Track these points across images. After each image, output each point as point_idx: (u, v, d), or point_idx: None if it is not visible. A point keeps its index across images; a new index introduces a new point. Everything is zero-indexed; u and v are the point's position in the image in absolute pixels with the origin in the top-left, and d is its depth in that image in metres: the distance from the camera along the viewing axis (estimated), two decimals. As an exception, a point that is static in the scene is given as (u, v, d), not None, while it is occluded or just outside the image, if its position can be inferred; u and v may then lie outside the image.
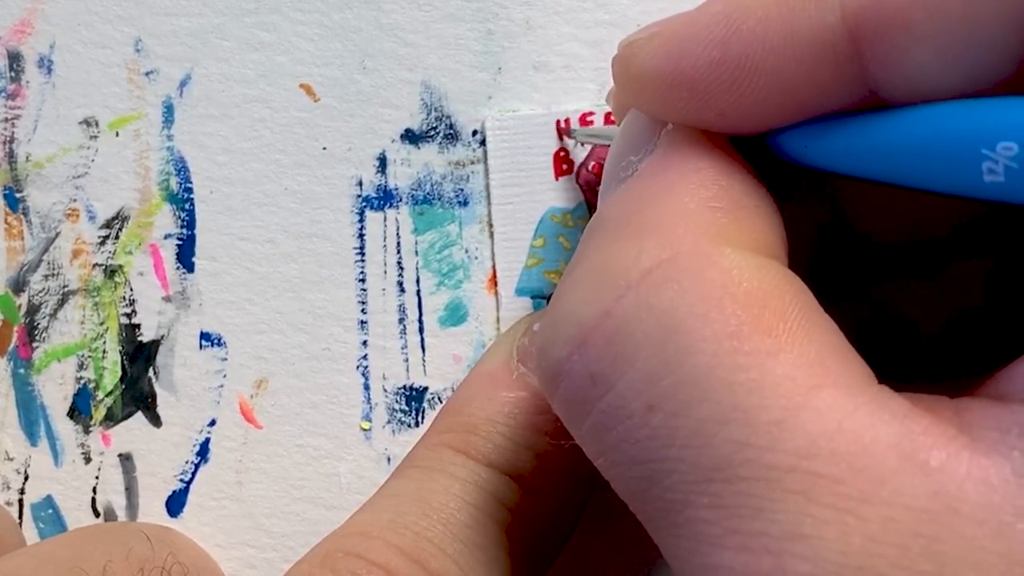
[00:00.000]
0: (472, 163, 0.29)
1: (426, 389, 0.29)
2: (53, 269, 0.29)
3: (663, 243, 0.17)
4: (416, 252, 0.29)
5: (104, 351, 0.29)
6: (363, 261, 0.29)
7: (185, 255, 0.29)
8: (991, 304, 0.21)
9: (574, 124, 0.28)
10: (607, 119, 0.28)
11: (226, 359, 0.29)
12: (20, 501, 0.29)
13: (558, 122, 0.28)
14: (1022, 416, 0.15)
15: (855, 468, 0.15)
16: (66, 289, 0.29)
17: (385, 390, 0.29)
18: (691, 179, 0.18)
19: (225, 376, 0.29)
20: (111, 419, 0.29)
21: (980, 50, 0.16)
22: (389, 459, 0.28)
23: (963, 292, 0.22)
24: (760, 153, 0.20)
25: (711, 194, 0.18)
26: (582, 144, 0.28)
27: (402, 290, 0.29)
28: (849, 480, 0.15)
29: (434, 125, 0.29)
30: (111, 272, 0.29)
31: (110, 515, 0.29)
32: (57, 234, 0.29)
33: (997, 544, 0.14)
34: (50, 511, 0.29)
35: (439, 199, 0.29)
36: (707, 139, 0.19)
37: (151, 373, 0.29)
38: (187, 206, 0.29)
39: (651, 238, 0.17)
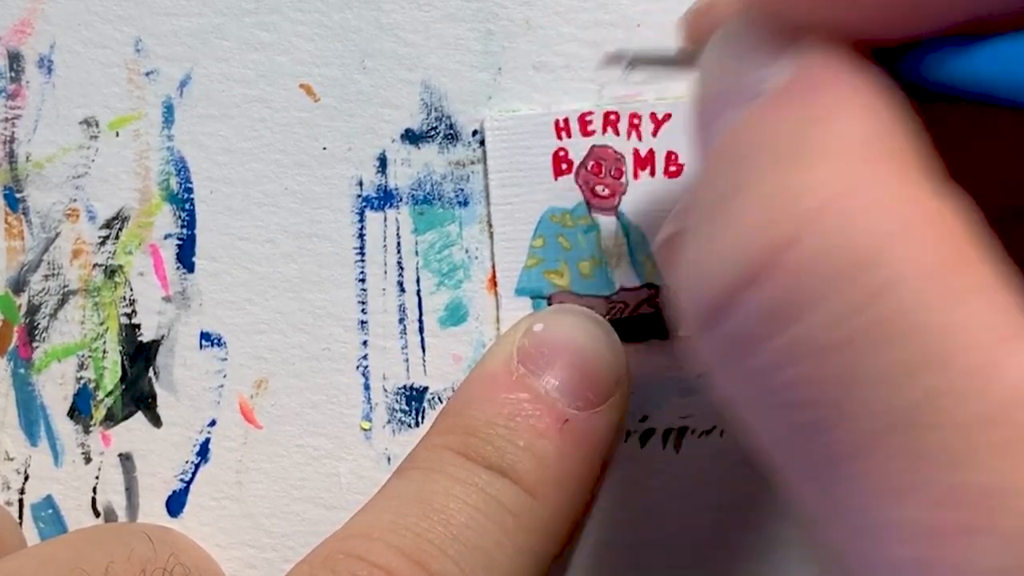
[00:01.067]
0: (472, 163, 0.29)
1: (426, 389, 0.29)
2: (53, 269, 0.29)
3: (846, 170, 0.16)
4: (416, 252, 0.29)
5: (104, 351, 0.29)
6: (363, 261, 0.29)
7: (185, 255, 0.29)
8: None
9: (573, 124, 0.28)
10: (606, 119, 0.28)
11: (226, 359, 0.29)
12: (20, 501, 0.29)
13: (557, 121, 0.28)
14: None
15: None
16: (66, 289, 0.29)
17: (385, 390, 0.29)
18: (855, 101, 0.17)
19: (225, 376, 0.29)
20: (111, 419, 0.29)
21: None
22: (389, 459, 0.28)
23: None
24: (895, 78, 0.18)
25: (882, 118, 0.16)
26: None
27: (402, 290, 0.29)
28: None
29: (434, 125, 0.29)
30: (111, 272, 0.29)
31: (110, 515, 0.29)
32: (57, 234, 0.29)
33: None
34: (50, 511, 0.29)
35: (439, 199, 0.29)
36: (857, 53, 0.17)
37: (151, 373, 0.29)
38: (187, 206, 0.29)
39: (832, 164, 0.16)
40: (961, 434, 0.14)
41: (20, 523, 0.29)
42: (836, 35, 0.17)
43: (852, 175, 0.16)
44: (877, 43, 0.17)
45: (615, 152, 0.28)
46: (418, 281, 0.29)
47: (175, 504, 0.29)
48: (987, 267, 0.15)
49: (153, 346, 0.29)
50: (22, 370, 0.29)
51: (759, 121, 0.17)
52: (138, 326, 0.29)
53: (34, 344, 0.29)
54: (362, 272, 0.29)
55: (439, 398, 0.29)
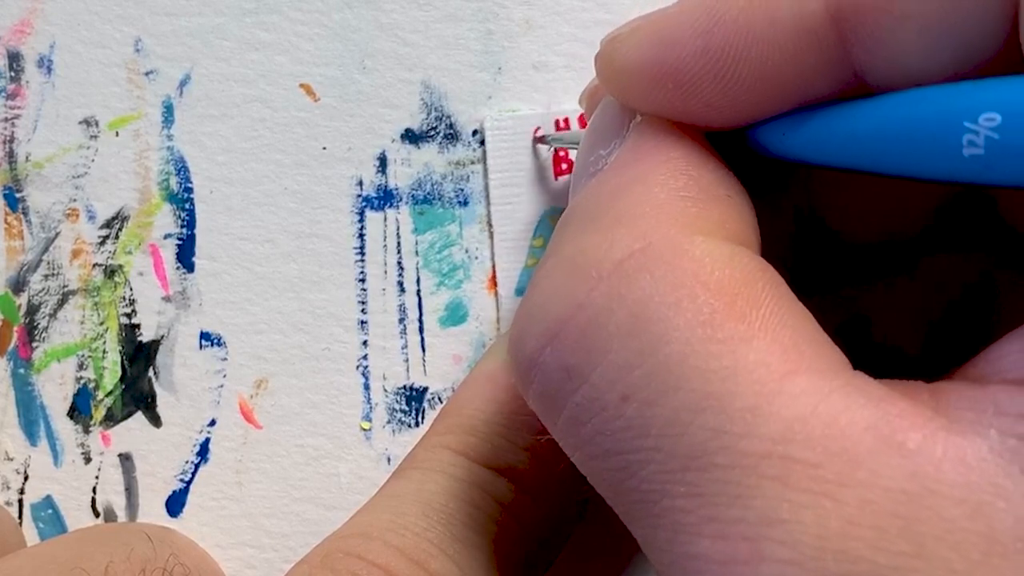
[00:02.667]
0: (472, 163, 0.29)
1: (426, 389, 0.29)
2: (53, 269, 0.29)
3: (635, 234, 0.17)
4: (416, 252, 0.29)
5: (104, 351, 0.29)
6: (363, 261, 0.29)
7: (185, 255, 0.29)
8: (965, 304, 0.21)
9: (573, 124, 0.28)
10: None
11: (226, 359, 0.29)
12: (20, 501, 0.29)
13: (557, 121, 0.28)
14: (998, 395, 0.15)
15: (831, 451, 0.15)
16: (66, 289, 0.29)
17: (385, 390, 0.29)
18: (661, 169, 0.18)
19: (225, 376, 0.29)
20: (111, 419, 0.29)
21: (963, 29, 0.16)
22: (389, 459, 0.28)
23: (934, 292, 0.22)
24: (736, 150, 0.20)
25: (682, 184, 0.18)
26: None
27: (402, 290, 0.29)
28: (825, 464, 0.15)
29: (434, 125, 0.29)
30: (111, 272, 0.29)
31: (110, 515, 0.29)
32: (57, 234, 0.29)
33: (976, 523, 0.14)
34: (50, 511, 0.29)
35: (439, 199, 0.29)
36: (678, 129, 0.19)
37: (151, 373, 0.29)
38: (187, 206, 0.29)
39: (622, 229, 0.17)
40: (740, 470, 0.15)
41: (20, 523, 0.29)
42: (683, 120, 0.19)
43: (637, 239, 0.17)
44: (720, 127, 0.19)
45: (615, 152, 0.28)
46: (418, 281, 0.29)
47: (175, 504, 0.29)
48: (768, 311, 0.16)
49: (153, 346, 0.29)
50: (22, 370, 0.29)
51: (588, 191, 0.19)
52: (138, 326, 0.29)
53: (34, 344, 0.29)
54: (362, 272, 0.29)
55: (439, 398, 0.29)
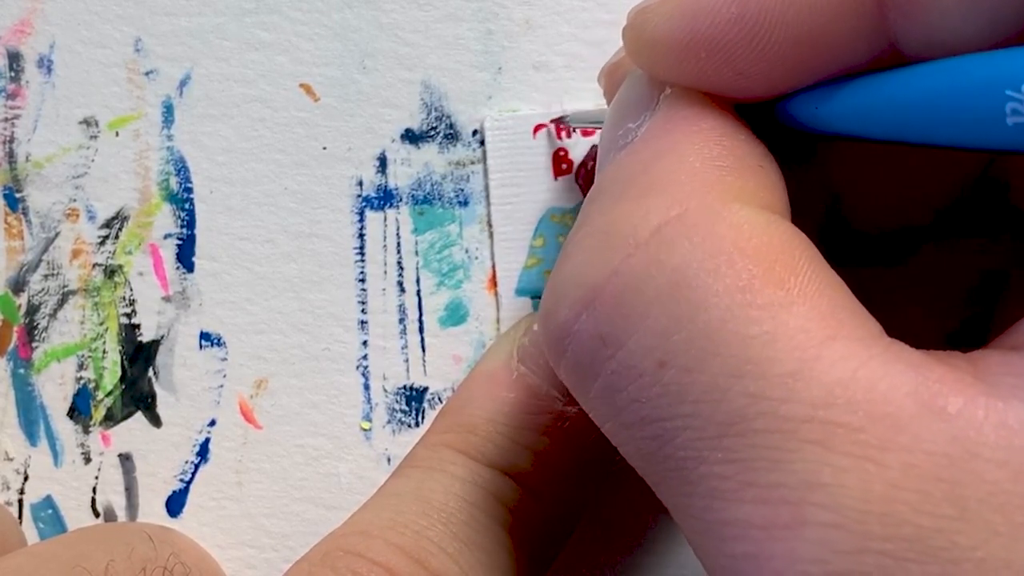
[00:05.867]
0: (472, 163, 0.29)
1: (426, 389, 0.29)
2: (53, 269, 0.29)
3: (671, 201, 0.17)
4: (416, 252, 0.29)
5: (104, 351, 0.29)
6: (363, 261, 0.29)
7: (185, 255, 0.29)
8: (976, 292, 0.21)
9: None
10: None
11: (226, 359, 0.29)
12: (20, 501, 0.29)
13: (557, 122, 0.28)
14: None
15: (873, 416, 0.15)
16: (66, 289, 0.29)
17: (385, 390, 0.29)
18: (695, 139, 0.18)
19: (225, 376, 0.29)
20: (111, 419, 0.29)
21: None
22: (389, 459, 0.28)
23: (943, 279, 0.22)
24: (764, 124, 0.19)
25: (716, 153, 0.18)
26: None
27: (402, 290, 0.29)
28: (868, 428, 0.15)
29: (434, 125, 0.29)
30: (111, 272, 0.29)
31: (110, 515, 0.29)
32: (57, 234, 0.29)
33: (1018, 485, 0.14)
34: (50, 511, 0.29)
35: (439, 199, 0.29)
36: (709, 101, 0.19)
37: (151, 373, 0.29)
38: (187, 206, 0.29)
39: (658, 196, 0.17)
40: (780, 435, 0.15)
41: (20, 523, 0.29)
42: (715, 90, 0.19)
43: (672, 206, 0.17)
44: (751, 98, 0.19)
45: (615, 152, 0.28)
46: (418, 281, 0.29)
47: (175, 504, 0.29)
48: (805, 278, 0.16)
49: (153, 346, 0.29)
50: (22, 370, 0.29)
51: (619, 163, 0.19)
52: (138, 326, 0.29)
53: (34, 344, 0.29)
54: (362, 272, 0.29)
55: (439, 398, 0.29)
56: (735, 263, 0.16)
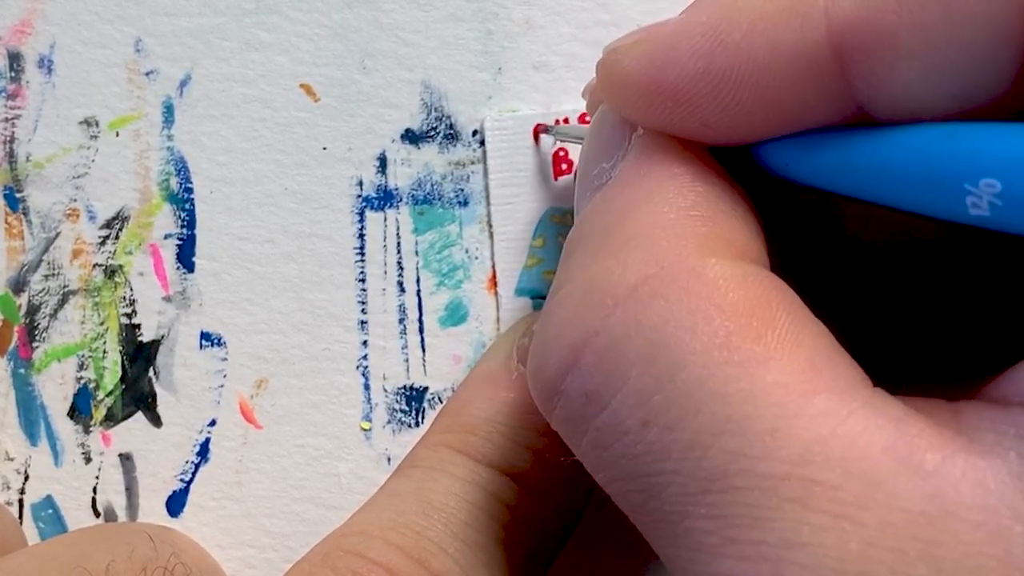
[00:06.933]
0: (472, 163, 0.29)
1: (426, 389, 0.29)
2: (53, 269, 0.29)
3: (647, 258, 0.17)
4: (416, 252, 0.29)
5: (104, 351, 0.29)
6: (363, 261, 0.29)
7: (185, 255, 0.29)
8: (988, 306, 0.21)
9: (573, 124, 0.28)
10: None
11: (226, 359, 0.29)
12: (20, 501, 0.29)
13: (557, 122, 0.28)
14: (1020, 418, 0.15)
15: (850, 473, 0.15)
16: (66, 289, 0.29)
17: (385, 390, 0.29)
18: (668, 186, 0.18)
19: (225, 376, 0.29)
20: (111, 419, 0.29)
21: (967, 69, 0.16)
22: (389, 459, 0.28)
23: (955, 292, 0.22)
24: (743, 158, 0.19)
25: (690, 202, 0.18)
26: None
27: (402, 290, 0.29)
28: (845, 485, 0.15)
29: (434, 125, 0.29)
30: (111, 272, 0.29)
31: (110, 515, 0.29)
32: (57, 234, 0.29)
33: (994, 547, 0.14)
34: (50, 511, 0.29)
35: (439, 199, 0.29)
36: (680, 144, 0.19)
37: (151, 373, 0.29)
38: (187, 206, 0.29)
39: (634, 252, 0.17)
40: (760, 493, 0.15)
41: (20, 523, 0.29)
42: (682, 136, 0.19)
43: (649, 263, 0.17)
44: (718, 144, 0.19)
45: (615, 152, 0.28)
46: (418, 281, 0.29)
47: (175, 504, 0.29)
48: (783, 331, 0.16)
49: (153, 346, 0.29)
50: (22, 370, 0.29)
51: (595, 208, 0.19)
52: (138, 326, 0.29)
53: (34, 344, 0.29)
54: (362, 272, 0.29)
55: (439, 398, 0.29)
56: (712, 320, 0.16)
